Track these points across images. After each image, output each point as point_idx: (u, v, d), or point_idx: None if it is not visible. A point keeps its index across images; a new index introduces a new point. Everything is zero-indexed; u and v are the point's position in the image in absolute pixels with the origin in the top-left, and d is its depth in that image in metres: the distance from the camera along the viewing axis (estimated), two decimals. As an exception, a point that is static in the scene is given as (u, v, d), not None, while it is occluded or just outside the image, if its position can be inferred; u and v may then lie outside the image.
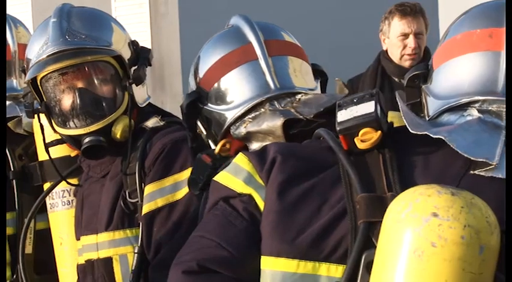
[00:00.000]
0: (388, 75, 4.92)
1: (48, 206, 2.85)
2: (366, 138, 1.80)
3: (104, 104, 2.61)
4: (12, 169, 2.96)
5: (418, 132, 1.73)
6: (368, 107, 1.82)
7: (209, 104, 2.50)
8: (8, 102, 3.06)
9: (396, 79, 4.91)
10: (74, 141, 2.59)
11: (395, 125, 1.91)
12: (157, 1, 9.62)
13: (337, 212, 1.76)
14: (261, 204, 1.84)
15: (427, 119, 1.86)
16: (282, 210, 1.79)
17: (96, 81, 2.61)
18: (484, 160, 1.64)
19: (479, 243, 1.47)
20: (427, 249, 1.48)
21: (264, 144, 2.37)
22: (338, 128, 1.82)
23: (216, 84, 2.50)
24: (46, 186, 2.88)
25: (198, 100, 2.52)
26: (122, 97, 2.61)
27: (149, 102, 2.82)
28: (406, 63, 4.80)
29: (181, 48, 8.83)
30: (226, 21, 2.62)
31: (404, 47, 4.76)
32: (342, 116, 1.84)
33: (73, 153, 2.79)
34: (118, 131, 2.56)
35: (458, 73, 1.83)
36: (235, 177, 1.90)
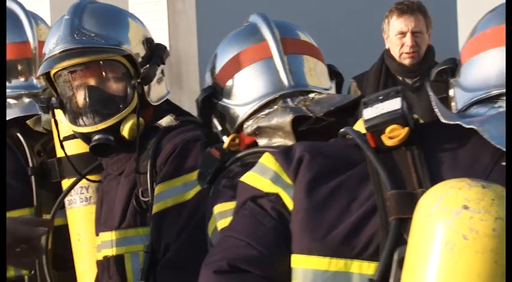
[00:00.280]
0: (391, 73, 4.92)
1: (66, 203, 2.87)
2: (394, 135, 1.81)
3: (112, 103, 2.62)
4: (30, 165, 2.98)
5: (451, 122, 1.73)
6: (394, 104, 1.82)
7: (224, 99, 2.54)
8: (27, 100, 3.09)
9: (400, 78, 4.93)
10: (85, 138, 2.61)
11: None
12: (175, -2, 9.69)
13: (367, 209, 1.77)
14: (288, 203, 1.84)
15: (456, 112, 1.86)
16: (311, 208, 1.79)
17: (104, 80, 2.62)
18: None
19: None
20: (459, 242, 1.49)
21: (274, 140, 2.48)
22: (365, 125, 1.82)
23: (230, 80, 2.54)
24: (64, 182, 2.90)
25: (213, 95, 2.56)
26: (131, 96, 2.61)
27: (167, 100, 2.83)
28: (406, 62, 4.81)
29: (199, 46, 8.85)
30: (243, 19, 2.67)
31: (402, 45, 4.78)
32: (368, 113, 1.84)
33: (92, 149, 2.81)
34: (126, 130, 2.57)
35: (487, 66, 1.83)
36: (262, 176, 1.90)
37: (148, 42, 2.70)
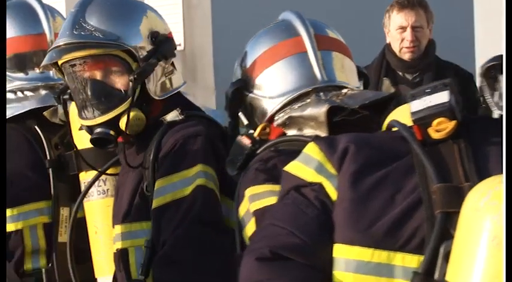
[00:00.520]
0: (392, 68, 4.86)
1: (83, 195, 2.89)
2: (441, 128, 1.80)
3: (112, 97, 2.63)
4: (48, 158, 3.00)
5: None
6: (442, 97, 1.82)
7: (255, 92, 2.56)
8: (44, 92, 3.11)
9: (400, 73, 4.87)
10: (89, 130, 2.63)
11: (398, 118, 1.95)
12: (190, -7, 9.68)
13: (412, 202, 1.76)
14: (332, 193, 1.84)
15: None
16: (356, 198, 1.79)
17: (104, 74, 2.63)
18: None
19: None
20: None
21: (304, 131, 2.48)
22: (412, 118, 1.82)
23: (263, 73, 2.55)
24: (82, 175, 2.91)
25: (244, 88, 2.58)
26: (132, 90, 2.60)
27: (179, 94, 2.82)
28: (405, 56, 4.78)
29: (214, 41, 8.85)
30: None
31: (402, 40, 4.75)
32: (416, 106, 1.84)
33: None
34: (125, 124, 2.56)
35: None
36: (306, 166, 1.90)
37: (153, 35, 2.70)
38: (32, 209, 3.03)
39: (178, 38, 8.64)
